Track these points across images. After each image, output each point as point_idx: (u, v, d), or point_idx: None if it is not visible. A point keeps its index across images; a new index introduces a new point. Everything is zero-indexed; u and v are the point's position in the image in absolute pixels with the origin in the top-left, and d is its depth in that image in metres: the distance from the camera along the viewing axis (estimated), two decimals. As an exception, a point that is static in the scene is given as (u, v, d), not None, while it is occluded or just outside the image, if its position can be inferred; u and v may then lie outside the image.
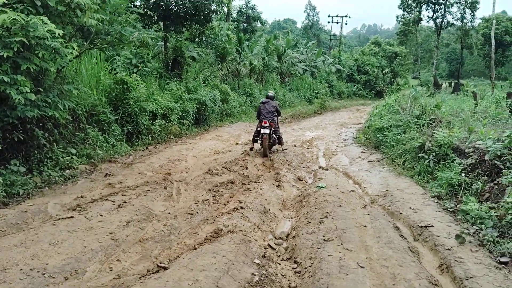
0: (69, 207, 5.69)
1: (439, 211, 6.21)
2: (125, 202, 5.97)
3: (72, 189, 6.53)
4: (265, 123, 10.06)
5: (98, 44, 8.36)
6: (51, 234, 4.74)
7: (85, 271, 4.12)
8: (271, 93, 11.19)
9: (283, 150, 11.08)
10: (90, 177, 7.27)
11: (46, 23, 5.77)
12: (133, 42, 10.05)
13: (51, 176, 6.71)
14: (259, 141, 10.40)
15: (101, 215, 5.43)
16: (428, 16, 39.84)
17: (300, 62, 29.46)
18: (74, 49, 6.89)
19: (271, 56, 24.98)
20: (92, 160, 7.92)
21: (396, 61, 40.38)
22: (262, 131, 10.04)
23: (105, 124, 8.91)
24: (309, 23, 75.95)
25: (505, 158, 6.49)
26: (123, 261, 4.39)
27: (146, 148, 9.96)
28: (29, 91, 5.83)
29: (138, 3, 12.98)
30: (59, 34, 6.26)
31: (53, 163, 7.04)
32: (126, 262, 4.38)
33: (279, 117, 11.34)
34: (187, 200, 6.59)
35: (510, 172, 6.07)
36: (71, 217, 5.30)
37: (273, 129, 10.37)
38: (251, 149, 10.58)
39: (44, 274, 3.90)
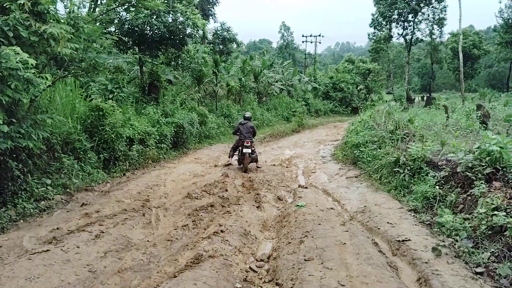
0: (45, 240, 5.55)
1: (415, 225, 6.34)
2: (103, 232, 5.86)
3: (47, 221, 6.37)
4: (247, 143, 11.01)
5: (72, 71, 8.32)
6: (27, 269, 4.61)
7: (62, 306, 4.02)
8: (248, 114, 12.25)
9: (257, 168, 11.69)
10: (66, 207, 7.12)
11: (18, 53, 5.74)
12: (108, 68, 10.04)
13: (26, 209, 6.52)
14: (235, 157, 11.62)
15: (78, 247, 5.32)
16: (398, 33, 41.16)
17: (277, 82, 29.86)
18: (47, 78, 6.87)
19: (248, 77, 25.26)
20: (68, 190, 7.76)
21: (370, 77, 41.38)
22: (244, 150, 11.00)
23: (81, 152, 8.78)
24: (284, 43, 77.48)
25: (476, 169, 6.70)
26: (101, 294, 4.30)
27: (124, 174, 9.84)
28: (1, 122, 5.74)
29: (112, 29, 13.01)
30: (32, 64, 6.24)
31: (28, 194, 6.86)
32: (104, 294, 4.29)
33: (254, 137, 12.26)
34: (166, 227, 6.53)
35: (481, 183, 6.27)
36: (47, 250, 5.17)
37: (253, 148, 11.38)
38: (229, 164, 11.53)
39: (19, 311, 3.78)
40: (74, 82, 10.32)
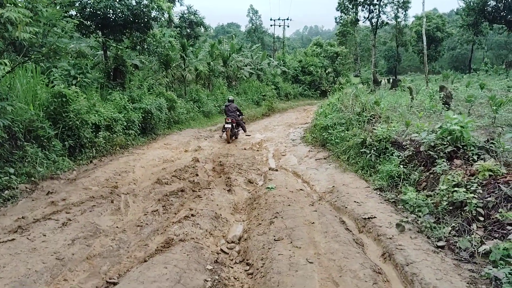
0: (10, 229, 5.40)
1: (381, 203, 6.57)
2: (70, 220, 5.75)
3: (12, 210, 6.19)
4: (228, 119, 13.90)
5: (32, 57, 7.99)
6: (-9, 259, 4.49)
7: (30, 294, 3.95)
8: (231, 97, 15.23)
9: (247, 135, 15.09)
10: (31, 196, 6.92)
11: (-28, 38, 5.46)
12: (70, 53, 9.68)
13: (-12, 199, 6.32)
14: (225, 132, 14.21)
15: (45, 235, 5.21)
16: (364, 17, 41.62)
17: (246, 66, 29.68)
18: (6, 64, 6.57)
19: (217, 61, 24.96)
20: (33, 179, 7.53)
21: (338, 60, 41.78)
22: (226, 125, 13.89)
23: (45, 140, 8.50)
24: (253, 26, 76.79)
25: (438, 148, 6.97)
26: (70, 281, 4.25)
27: (91, 162, 9.61)
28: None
29: (73, 13, 12.50)
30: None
31: (-10, 184, 6.64)
32: (73, 281, 4.24)
33: (243, 116, 15.59)
34: (136, 213, 6.47)
35: (443, 161, 6.53)
36: (13, 239, 5.05)
37: (234, 124, 14.16)
38: (221, 136, 14.61)
39: (-16, 303, 3.69)
40: (35, 68, 9.89)
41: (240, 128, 15.10)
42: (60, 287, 4.11)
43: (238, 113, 14.65)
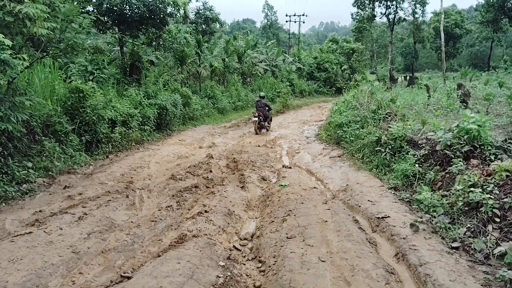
0: (28, 223, 5.53)
1: (395, 202, 6.51)
2: (86, 214, 5.86)
3: (30, 204, 6.33)
4: (255, 113, 15.33)
5: (50, 52, 8.14)
6: (9, 251, 4.60)
7: (46, 286, 4.04)
8: (262, 93, 16.91)
9: (267, 131, 16.17)
10: (49, 190, 7.07)
11: (-7, 34, 5.58)
12: (87, 49, 9.82)
13: (7, 192, 6.46)
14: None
15: (61, 229, 5.32)
16: (381, 13, 41.11)
17: (261, 62, 29.64)
18: (24, 59, 6.70)
19: (232, 57, 24.99)
20: (50, 173, 7.69)
21: (354, 57, 41.37)
22: (254, 119, 15.44)
23: (62, 135, 8.67)
24: (268, 22, 76.56)
25: (454, 147, 6.85)
26: (85, 274, 4.34)
27: (107, 157, 9.77)
28: (-23, 105, 5.62)
29: (90, 9, 12.67)
30: (7, 46, 6.08)
31: (9, 178, 6.79)
32: (88, 275, 4.32)
33: (271, 110, 16.87)
34: (150, 208, 6.55)
35: (459, 161, 6.43)
36: (30, 232, 5.17)
37: (261, 118, 15.43)
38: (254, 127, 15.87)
39: (3, 293, 3.80)
40: (53, 64, 10.08)
41: (269, 124, 16.55)
42: (75, 280, 4.20)
43: (267, 108, 16.01)
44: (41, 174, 7.51)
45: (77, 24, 8.08)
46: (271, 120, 16.72)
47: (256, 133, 15.30)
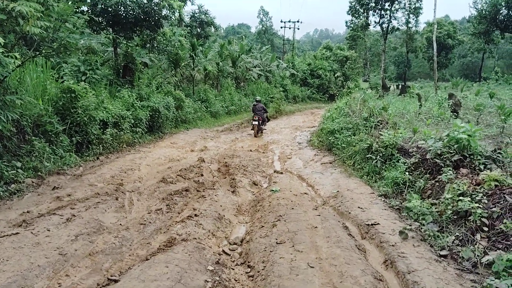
0: (15, 223, 5.45)
1: (385, 209, 6.53)
2: (74, 216, 5.80)
3: (18, 204, 6.25)
4: (255, 117, 16.05)
5: (43, 52, 8.07)
6: (-5, 251, 4.54)
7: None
8: (258, 98, 17.64)
9: (263, 130, 17.04)
10: (37, 190, 6.98)
11: (-16, 32, 5.53)
12: (80, 49, 9.77)
13: (-5, 192, 6.39)
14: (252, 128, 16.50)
15: (49, 230, 5.25)
16: (375, 22, 41.40)
17: (255, 67, 29.69)
18: (16, 58, 6.64)
19: (226, 62, 25.01)
20: (39, 173, 7.60)
21: (347, 65, 41.62)
22: (254, 122, 16.10)
23: (52, 135, 8.58)
24: (263, 28, 76.91)
25: (445, 156, 6.92)
26: (72, 276, 4.28)
27: (97, 158, 9.68)
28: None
29: (85, 9, 12.61)
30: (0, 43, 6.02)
31: (-3, 177, 6.71)
32: (75, 277, 4.27)
33: (267, 113, 17.93)
34: (139, 211, 6.50)
35: (449, 170, 6.48)
36: (17, 233, 5.10)
37: (261, 121, 16.24)
38: (252, 129, 16.53)
39: (-13, 294, 3.74)
40: (45, 63, 10.00)
41: (266, 126, 17.53)
42: (61, 283, 4.14)
43: (263, 111, 16.77)
44: (30, 175, 7.42)
45: (71, 24, 8.04)
46: (268, 120, 17.98)
47: (255, 136, 16.01)
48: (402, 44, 53.70)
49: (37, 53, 8.04)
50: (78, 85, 9.74)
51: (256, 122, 16.02)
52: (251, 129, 16.80)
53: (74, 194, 6.84)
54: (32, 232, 5.15)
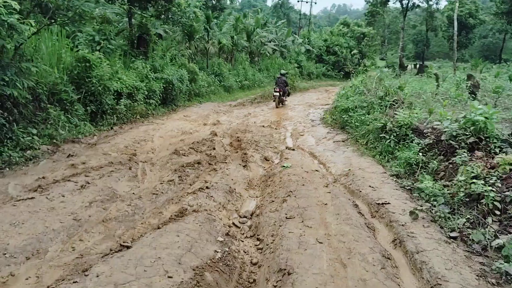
0: (30, 188, 5.59)
1: (396, 189, 6.51)
2: (88, 183, 5.92)
3: (33, 170, 6.39)
4: (276, 89, 17.10)
5: (58, 20, 8.05)
6: (11, 214, 4.68)
7: (47, 251, 4.12)
8: (283, 71, 18.96)
9: (285, 102, 18.11)
10: (52, 157, 7.11)
11: (0, -3, 5.52)
12: (95, 18, 9.72)
13: (11, 157, 6.51)
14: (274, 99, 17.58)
15: (63, 196, 5.38)
16: (395, -3, 40.43)
17: (270, 42, 29.26)
18: (32, 25, 6.64)
19: (241, 35, 24.69)
20: (54, 141, 7.73)
21: (364, 42, 40.72)
22: (275, 94, 17.15)
23: (68, 104, 8.67)
24: (279, 1, 75.18)
25: (460, 138, 6.80)
26: (85, 241, 4.40)
27: (111, 128, 9.79)
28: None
29: (100, -23, 12.48)
30: (15, 10, 6.02)
31: (14, 143, 6.84)
32: (88, 242, 4.39)
33: (288, 87, 18.70)
34: (152, 181, 6.59)
35: (463, 152, 6.38)
36: (32, 198, 5.23)
37: (282, 92, 17.20)
38: (274, 100, 17.54)
39: (5, 254, 3.88)
40: (60, 32, 9.99)
41: (287, 98, 18.51)
42: (75, 246, 4.27)
43: (285, 84, 17.83)
44: (45, 142, 7.55)
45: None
46: (289, 95, 18.84)
47: (277, 107, 17.12)
48: (422, 22, 52.28)
49: (52, 21, 8.03)
50: (93, 54, 9.75)
51: (277, 94, 17.03)
52: (273, 101, 17.72)
53: (88, 162, 6.96)
54: (47, 197, 5.28)
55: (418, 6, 41.96)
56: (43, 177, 5.99)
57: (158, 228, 4.69)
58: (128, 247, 4.16)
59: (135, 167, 7.10)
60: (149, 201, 5.68)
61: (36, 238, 4.24)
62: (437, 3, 42.92)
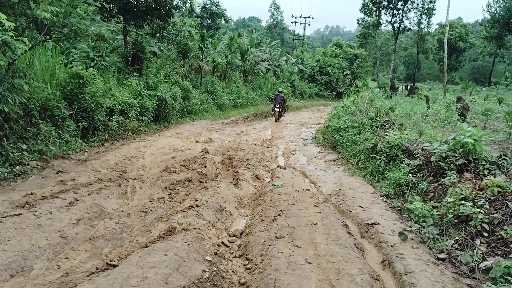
0: (18, 204, 5.52)
1: (386, 210, 6.53)
2: (77, 200, 5.86)
3: (21, 186, 6.32)
4: (277, 105, 19.35)
5: (53, 36, 8.10)
6: (-3, 231, 4.60)
7: (32, 268, 4.05)
8: (280, 89, 21.96)
9: (282, 116, 20.10)
10: (42, 173, 7.05)
11: (-5, 14, 5.55)
12: (90, 35, 9.79)
13: (0, 172, 6.46)
14: (274, 114, 19.71)
15: (51, 213, 5.31)
16: (387, 21, 41.13)
17: (263, 61, 29.63)
18: (26, 43, 6.67)
19: (235, 54, 24.98)
20: (44, 156, 7.67)
21: (356, 63, 41.39)
22: (275, 109, 19.37)
23: (59, 119, 8.64)
24: (274, 22, 76.48)
25: (449, 160, 6.88)
26: (71, 259, 4.34)
27: (102, 144, 9.75)
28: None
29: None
30: (9, 26, 6.05)
31: (3, 158, 6.78)
32: (74, 260, 4.33)
33: (285, 104, 21.05)
34: (142, 198, 6.55)
35: (453, 173, 6.46)
36: (19, 214, 5.16)
37: (281, 108, 19.44)
38: (273, 115, 19.74)
39: (-13, 272, 3.80)
40: (54, 48, 10.05)
41: (284, 113, 20.53)
42: (61, 265, 4.20)
43: (283, 101, 20.09)
44: (35, 157, 7.49)
45: (81, 10, 8.05)
46: (285, 111, 20.76)
47: (276, 121, 19.28)
48: (413, 45, 53.31)
49: (47, 37, 8.07)
50: (87, 71, 9.79)
51: (278, 109, 19.26)
52: (272, 115, 19.93)
53: (77, 179, 6.90)
54: (34, 214, 5.21)
55: (410, 29, 42.79)
56: (31, 193, 5.93)
57: (146, 246, 4.64)
58: (114, 266, 4.11)
59: (125, 184, 7.05)
60: (137, 219, 5.64)
61: (21, 256, 4.17)
62: (428, 27, 43.83)
